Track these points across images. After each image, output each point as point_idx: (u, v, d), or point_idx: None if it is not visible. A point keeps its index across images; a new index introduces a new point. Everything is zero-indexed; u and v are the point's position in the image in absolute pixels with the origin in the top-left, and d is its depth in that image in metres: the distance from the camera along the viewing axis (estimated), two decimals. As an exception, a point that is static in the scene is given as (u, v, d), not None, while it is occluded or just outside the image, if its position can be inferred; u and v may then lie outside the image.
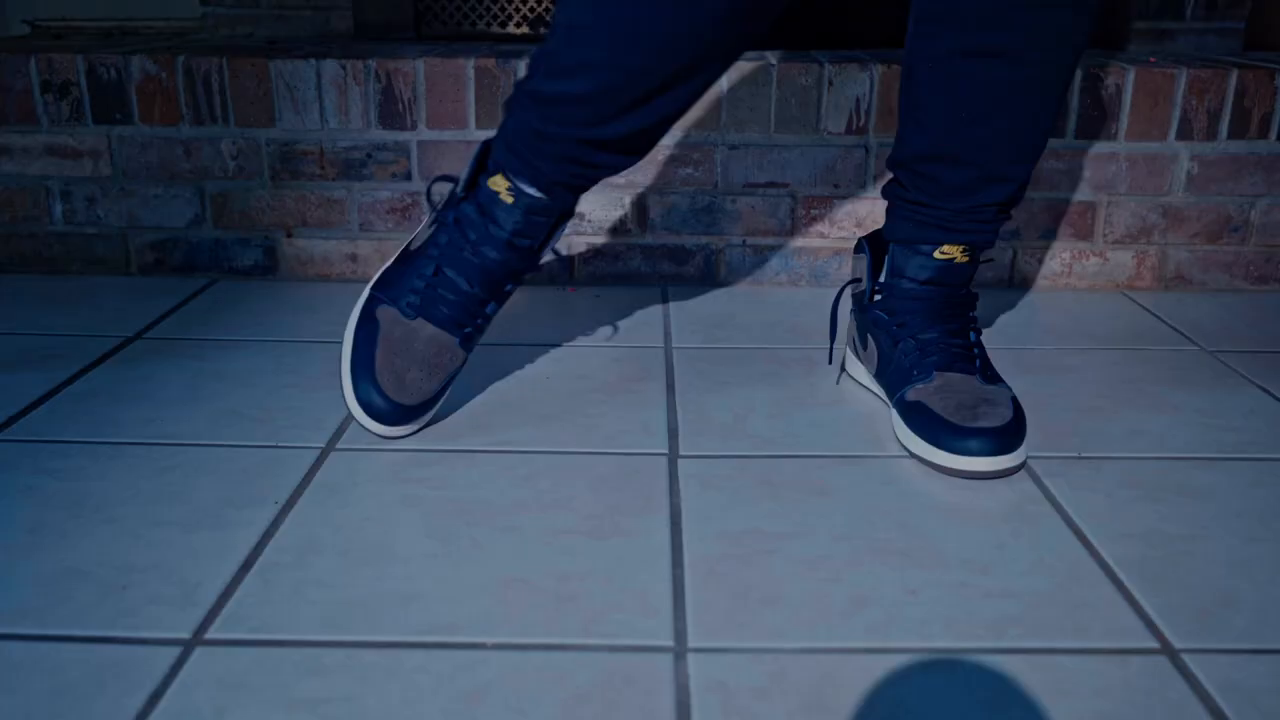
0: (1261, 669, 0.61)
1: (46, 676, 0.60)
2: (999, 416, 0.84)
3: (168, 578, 0.69)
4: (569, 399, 0.98)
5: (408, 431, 0.89)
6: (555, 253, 0.93)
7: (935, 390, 0.87)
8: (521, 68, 1.23)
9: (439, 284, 0.89)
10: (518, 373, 1.04)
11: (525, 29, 1.52)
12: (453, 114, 1.25)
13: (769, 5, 0.81)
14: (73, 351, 1.08)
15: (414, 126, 1.26)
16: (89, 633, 0.63)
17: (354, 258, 1.32)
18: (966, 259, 0.91)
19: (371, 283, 0.93)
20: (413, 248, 0.93)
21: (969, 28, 0.82)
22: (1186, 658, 0.62)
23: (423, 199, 0.94)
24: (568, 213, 0.90)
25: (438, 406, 0.91)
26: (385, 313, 0.90)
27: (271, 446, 0.88)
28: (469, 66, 1.24)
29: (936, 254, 0.91)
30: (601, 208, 1.29)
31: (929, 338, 0.90)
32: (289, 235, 1.31)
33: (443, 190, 1.01)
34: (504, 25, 1.52)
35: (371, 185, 1.28)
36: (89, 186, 1.30)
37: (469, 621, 0.65)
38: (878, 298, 0.95)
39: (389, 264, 0.93)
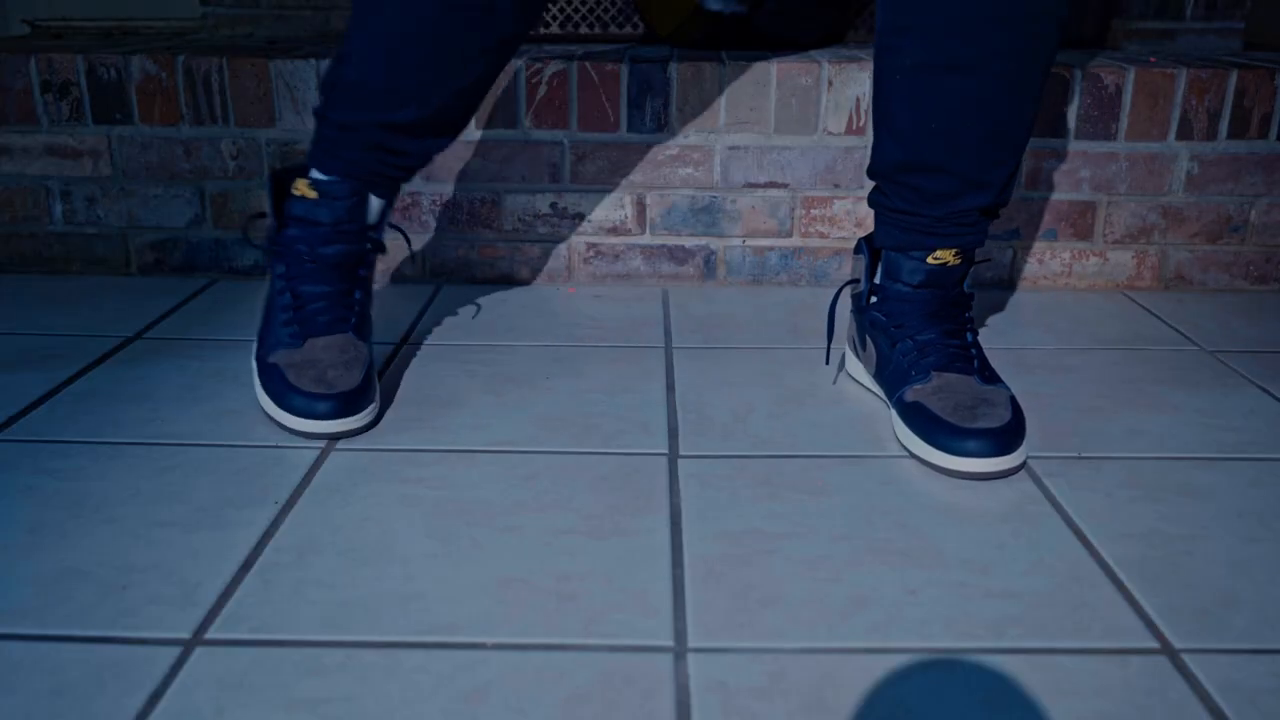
0: (1261, 669, 0.61)
1: (46, 676, 0.60)
2: (998, 417, 0.84)
3: (168, 578, 0.69)
4: (569, 399, 0.98)
5: (366, 420, 0.89)
6: (398, 229, 1.01)
7: (934, 391, 0.87)
8: (521, 68, 1.23)
9: (302, 303, 0.92)
10: (518, 373, 1.04)
11: (525, 29, 1.52)
12: (453, 114, 1.25)
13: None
14: (73, 351, 1.08)
15: (414, 126, 1.26)
16: (89, 633, 0.63)
17: (354, 258, 1.31)
18: (959, 260, 0.91)
19: (254, 354, 0.95)
20: (265, 305, 0.96)
21: (934, 42, 0.82)
22: (1186, 658, 0.62)
23: (260, 242, 0.99)
24: (382, 193, 0.94)
25: (377, 400, 0.92)
26: (277, 356, 0.91)
27: (271, 446, 0.88)
28: (469, 66, 1.23)
29: (929, 259, 0.90)
30: (601, 208, 1.29)
31: (926, 339, 0.90)
32: (289, 235, 1.31)
33: (261, 229, 1.06)
34: (504, 25, 1.52)
35: (371, 185, 1.28)
36: (89, 186, 1.30)
37: (469, 621, 0.65)
38: (874, 299, 0.95)
39: (258, 332, 0.96)
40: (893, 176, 0.91)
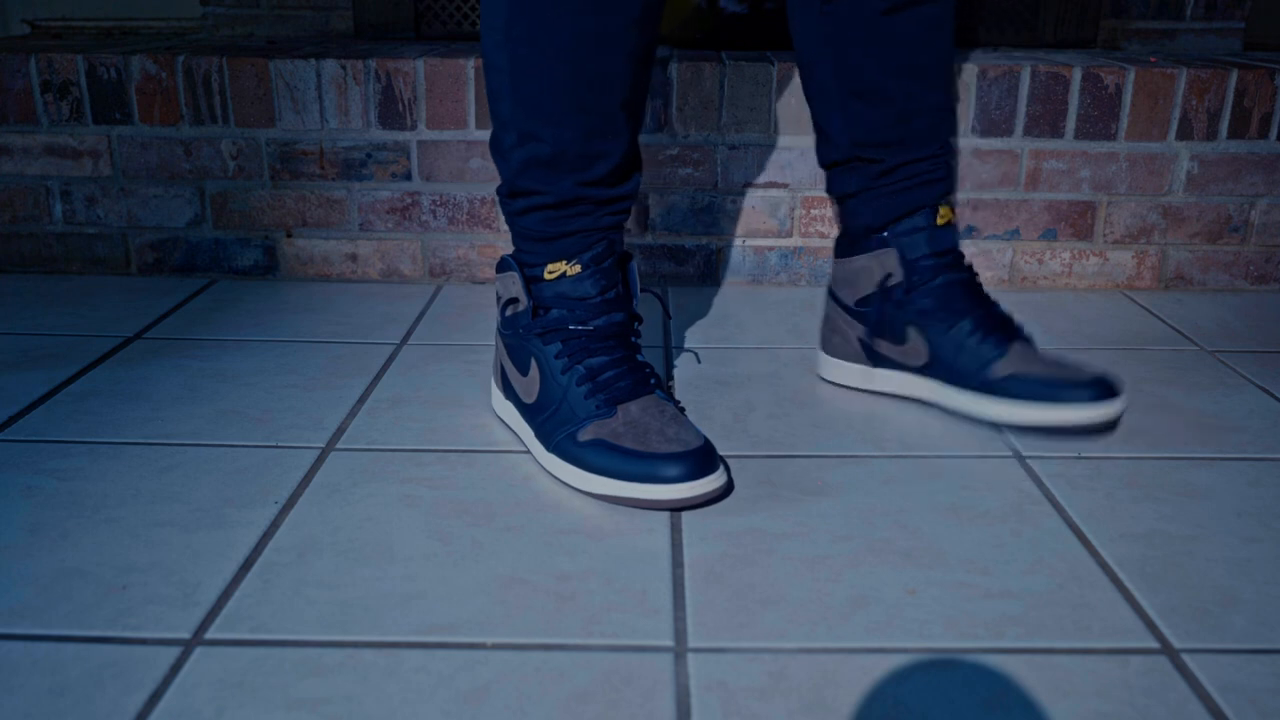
0: (1261, 669, 0.61)
1: (46, 676, 0.60)
2: (1090, 367, 0.91)
3: (168, 578, 0.69)
4: (569, 399, 0.98)
5: (723, 478, 0.79)
6: (652, 293, 0.92)
7: (1019, 359, 0.91)
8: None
9: (596, 374, 0.83)
10: (518, 373, 1.04)
11: (525, 29, 1.52)
12: (453, 114, 1.25)
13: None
14: (73, 351, 1.08)
15: (414, 126, 1.26)
16: (89, 633, 0.63)
17: (354, 257, 1.32)
18: (952, 214, 0.96)
19: (543, 444, 0.84)
20: (533, 398, 0.86)
21: None
22: (1186, 658, 0.62)
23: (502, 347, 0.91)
24: (625, 253, 0.88)
25: (721, 460, 0.81)
26: (589, 431, 0.81)
27: (271, 446, 0.88)
28: (469, 66, 1.24)
29: (939, 220, 0.94)
30: (601, 208, 1.29)
31: (981, 314, 0.94)
32: (289, 235, 1.31)
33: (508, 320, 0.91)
34: (504, 25, 1.52)
35: (371, 185, 1.28)
36: (89, 186, 1.30)
37: (469, 621, 0.65)
38: (909, 289, 0.95)
39: (532, 423, 0.86)
40: (867, 143, 0.93)
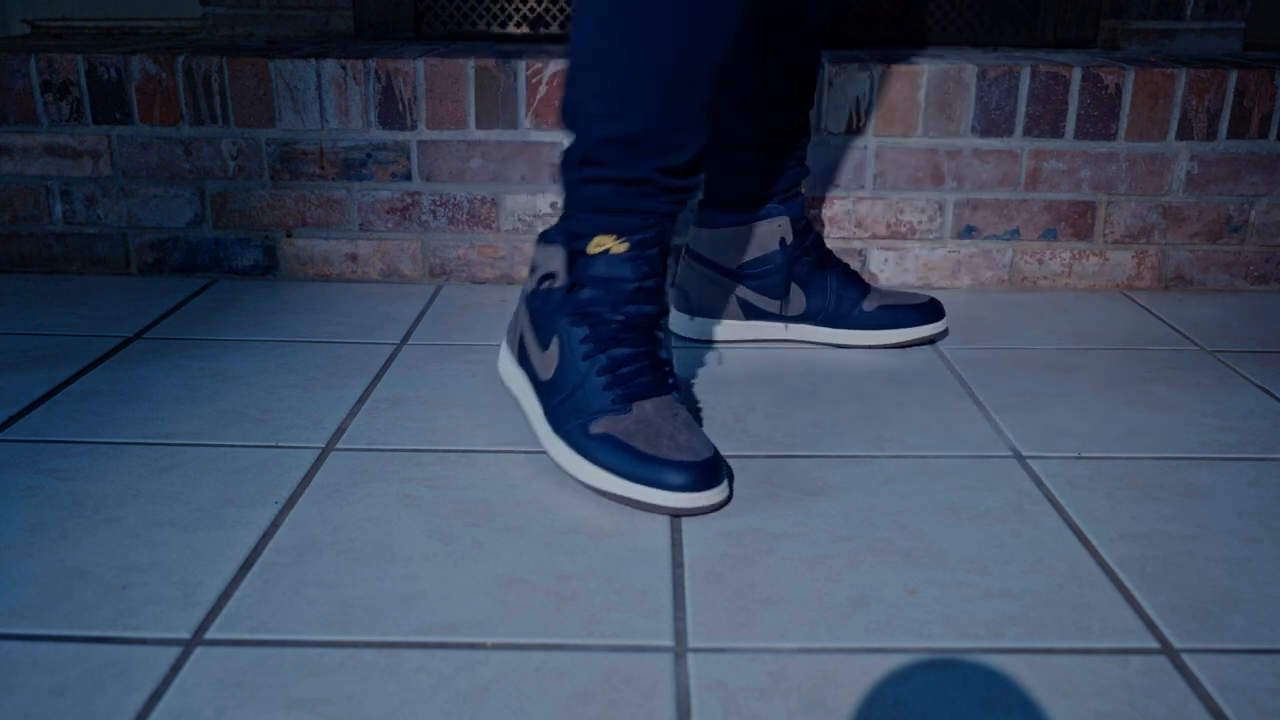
0: (1261, 669, 0.61)
1: (46, 676, 0.60)
2: (921, 295, 1.16)
3: (168, 578, 0.69)
4: (569, 399, 0.98)
5: (725, 492, 0.79)
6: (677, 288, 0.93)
7: (877, 297, 1.12)
8: (521, 68, 1.23)
9: (617, 366, 0.83)
10: (518, 373, 1.04)
11: (525, 29, 1.52)
12: (453, 114, 1.25)
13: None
14: (73, 351, 1.08)
15: (414, 126, 1.26)
16: (89, 633, 0.63)
17: (354, 257, 1.32)
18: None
19: (551, 427, 0.84)
20: (549, 375, 0.86)
21: (807, 20, 1.02)
22: (1186, 658, 0.62)
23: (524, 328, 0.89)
24: (668, 247, 0.88)
25: (726, 470, 0.83)
26: (602, 424, 0.81)
27: (271, 446, 0.88)
28: (469, 66, 1.24)
29: (803, 189, 1.10)
30: (601, 208, 1.29)
31: (842, 267, 1.13)
32: (289, 235, 1.31)
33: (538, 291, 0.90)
34: (504, 25, 1.52)
35: (371, 185, 1.28)
36: (89, 186, 1.30)
37: (469, 621, 0.65)
38: (802, 250, 1.11)
39: (544, 402, 0.86)
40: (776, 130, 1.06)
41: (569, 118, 0.84)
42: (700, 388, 1.01)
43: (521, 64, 1.23)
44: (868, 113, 1.25)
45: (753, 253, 1.09)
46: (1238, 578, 0.71)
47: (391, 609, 0.66)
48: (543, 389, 0.87)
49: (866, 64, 1.24)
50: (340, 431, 0.91)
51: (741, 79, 1.03)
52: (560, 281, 0.85)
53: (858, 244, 1.30)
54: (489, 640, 0.63)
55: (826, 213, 1.29)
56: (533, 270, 0.88)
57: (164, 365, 1.05)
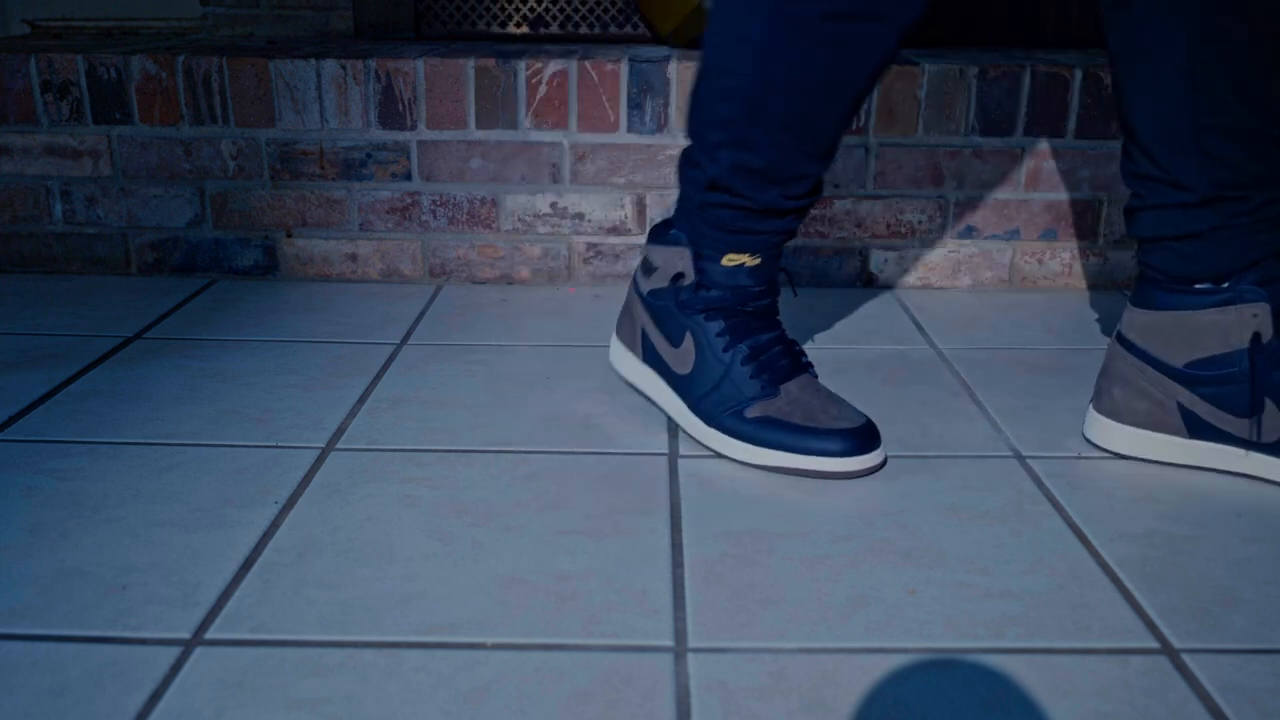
0: (1261, 669, 0.61)
1: (46, 676, 0.60)
2: None
3: (168, 578, 0.69)
4: (569, 399, 0.98)
5: (883, 455, 0.85)
6: (784, 270, 0.92)
7: None
8: (521, 68, 1.23)
9: (759, 353, 0.87)
10: (518, 373, 1.04)
11: (525, 29, 1.52)
12: (453, 114, 1.25)
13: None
14: (73, 351, 1.08)
15: (414, 126, 1.26)
16: (89, 633, 0.63)
17: (354, 257, 1.32)
18: None
19: (703, 420, 0.87)
20: (688, 370, 0.89)
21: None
22: (1186, 658, 0.62)
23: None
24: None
25: (880, 438, 0.85)
26: (757, 409, 0.85)
27: (271, 446, 0.88)
28: (469, 66, 1.24)
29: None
30: (601, 208, 1.29)
31: None
32: (289, 235, 1.31)
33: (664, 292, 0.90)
34: (504, 25, 1.52)
35: (371, 185, 1.28)
36: (89, 186, 1.30)
37: (469, 621, 0.65)
38: None
39: (687, 396, 0.89)
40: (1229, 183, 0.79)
41: (696, 136, 0.84)
42: (700, 388, 1.01)
43: (521, 64, 1.23)
44: (868, 113, 1.25)
45: (1206, 350, 0.82)
46: (1238, 578, 0.71)
47: (391, 609, 0.66)
48: (683, 384, 0.89)
49: (866, 64, 1.24)
50: (340, 431, 0.91)
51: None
52: (689, 281, 0.88)
53: (858, 244, 1.30)
54: (489, 640, 0.63)
55: (826, 213, 1.29)
56: (648, 268, 0.91)
57: (164, 365, 1.05)
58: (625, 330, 0.95)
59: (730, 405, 0.86)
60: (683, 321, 0.89)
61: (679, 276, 0.88)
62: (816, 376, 0.89)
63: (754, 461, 0.85)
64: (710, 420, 0.87)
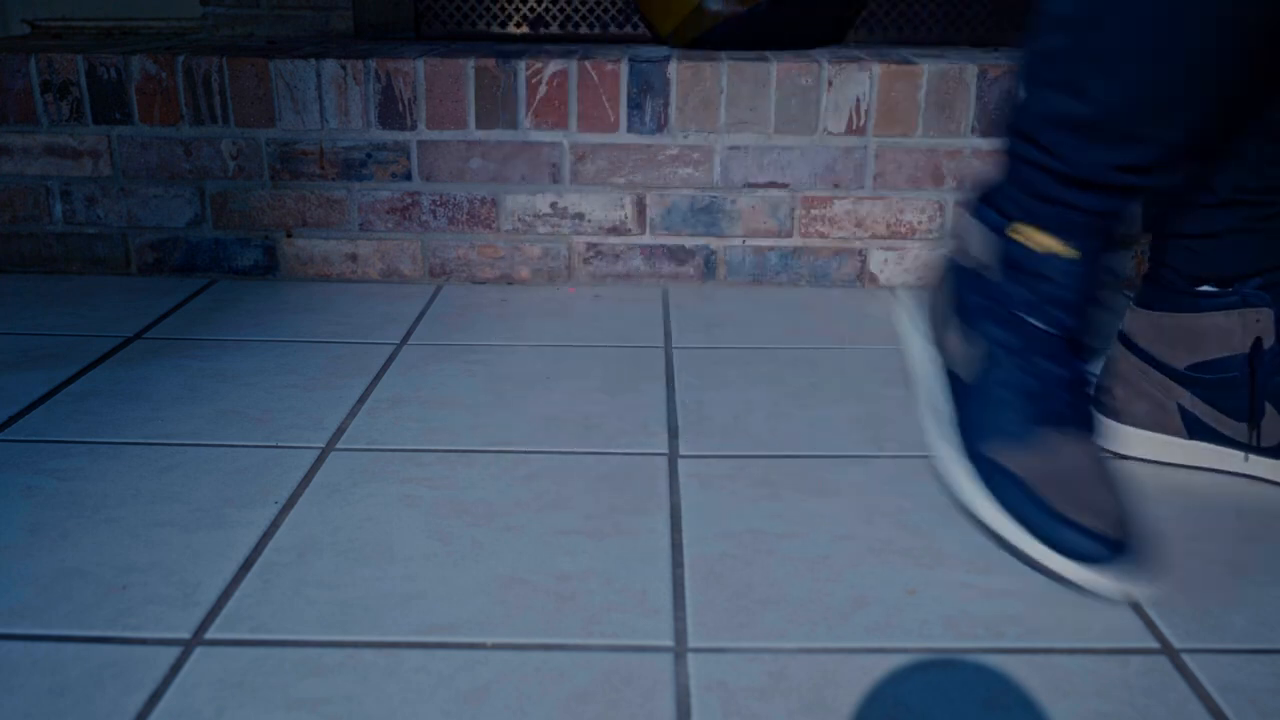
0: (1261, 669, 0.61)
1: (46, 676, 0.60)
2: None
3: (168, 578, 0.69)
4: (569, 399, 0.98)
5: (1137, 585, 0.68)
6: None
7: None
8: (521, 68, 1.23)
9: (1042, 391, 0.72)
10: (518, 373, 1.04)
11: (525, 29, 1.52)
12: (453, 114, 1.25)
13: None
14: (73, 351, 1.08)
15: (414, 126, 1.26)
16: (89, 633, 0.63)
17: (354, 258, 1.32)
18: None
19: (962, 436, 0.75)
20: (970, 379, 0.76)
21: None
22: (1186, 658, 0.62)
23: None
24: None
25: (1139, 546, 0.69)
26: (1009, 455, 0.72)
27: (271, 446, 0.88)
28: (469, 66, 1.24)
29: None
30: (601, 208, 1.29)
31: None
32: (289, 235, 1.31)
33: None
34: (504, 25, 1.52)
35: (371, 185, 1.28)
36: (89, 186, 1.30)
37: (469, 621, 0.65)
38: None
39: (959, 407, 0.77)
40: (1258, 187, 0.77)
41: (1024, 74, 0.70)
42: (700, 388, 1.01)
43: (521, 64, 1.23)
44: (868, 113, 1.25)
45: (1208, 352, 0.82)
46: (1238, 578, 0.71)
47: (391, 609, 0.66)
48: (960, 391, 0.77)
49: (866, 64, 1.24)
50: (340, 431, 0.91)
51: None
52: (994, 275, 0.75)
53: (858, 244, 1.30)
54: (489, 640, 0.63)
55: (827, 212, 1.29)
56: (960, 238, 0.78)
57: (164, 365, 1.05)
58: (931, 298, 0.83)
59: (986, 434, 0.73)
60: (981, 324, 0.76)
61: (984, 268, 0.75)
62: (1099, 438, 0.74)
63: (982, 517, 0.73)
64: (965, 441, 0.75)
